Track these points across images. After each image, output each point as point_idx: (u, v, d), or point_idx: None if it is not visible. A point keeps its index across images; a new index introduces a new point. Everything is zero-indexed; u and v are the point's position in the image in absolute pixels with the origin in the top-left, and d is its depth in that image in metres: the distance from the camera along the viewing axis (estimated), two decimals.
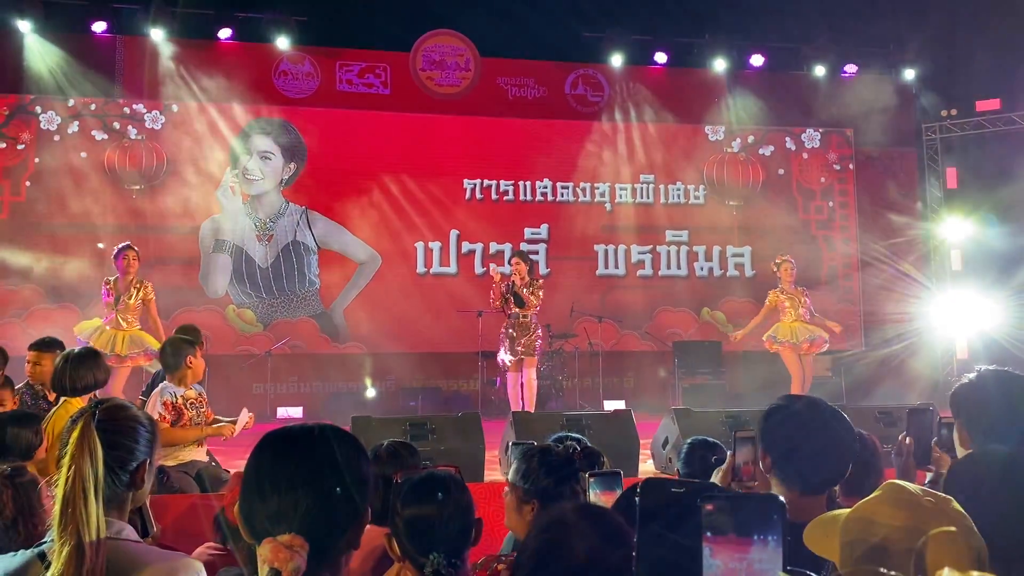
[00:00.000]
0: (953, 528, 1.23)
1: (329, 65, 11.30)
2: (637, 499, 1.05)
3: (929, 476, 2.36)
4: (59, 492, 1.57)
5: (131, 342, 7.38)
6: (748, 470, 2.02)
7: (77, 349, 4.45)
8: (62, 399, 4.25)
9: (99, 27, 10.57)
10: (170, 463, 4.69)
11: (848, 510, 1.34)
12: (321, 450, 1.42)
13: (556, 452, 2.35)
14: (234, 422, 4.82)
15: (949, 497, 1.31)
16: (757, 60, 12.22)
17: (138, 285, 7.53)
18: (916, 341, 12.28)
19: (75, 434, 1.62)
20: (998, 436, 2.08)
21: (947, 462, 2.34)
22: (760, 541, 0.97)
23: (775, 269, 8.89)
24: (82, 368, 4.23)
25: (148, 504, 1.96)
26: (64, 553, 1.53)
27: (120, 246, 7.70)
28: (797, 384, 8.49)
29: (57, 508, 1.56)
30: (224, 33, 10.92)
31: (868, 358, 11.80)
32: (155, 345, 7.19)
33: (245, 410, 4.94)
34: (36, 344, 5.15)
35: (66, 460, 1.59)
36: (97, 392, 4.34)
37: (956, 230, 12.47)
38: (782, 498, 1.96)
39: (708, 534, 0.96)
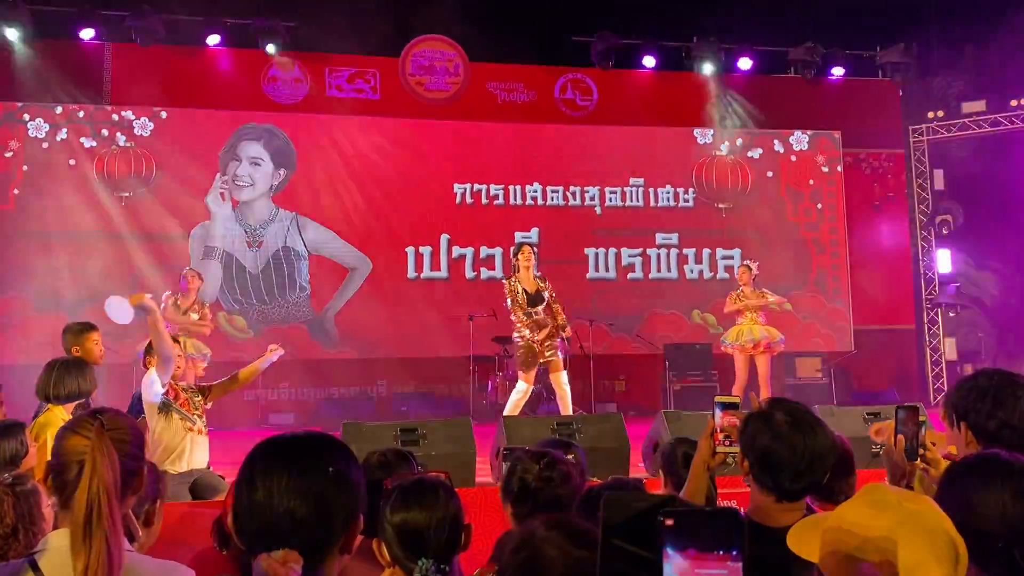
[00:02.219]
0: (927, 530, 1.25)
1: (318, 70, 11.31)
2: (600, 514, 1.05)
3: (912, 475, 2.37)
4: (80, 500, 1.57)
5: (195, 347, 8.16)
6: (724, 433, 2.15)
7: (65, 357, 4.44)
8: (45, 406, 4.24)
9: (87, 34, 10.56)
10: (171, 470, 4.70)
11: (830, 513, 1.36)
12: (312, 460, 1.42)
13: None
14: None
15: (927, 498, 1.34)
16: (745, 63, 12.28)
17: (200, 304, 8.58)
18: (905, 343, 12.36)
19: (90, 443, 1.63)
20: (1003, 440, 2.10)
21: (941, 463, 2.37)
22: (722, 556, 0.96)
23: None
24: (67, 376, 4.22)
25: (131, 511, 1.97)
26: (94, 561, 1.54)
27: (187, 268, 8.83)
28: (740, 387, 8.51)
29: (80, 516, 1.57)
30: (213, 39, 10.91)
31: (857, 359, 11.86)
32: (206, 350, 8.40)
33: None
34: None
35: (87, 468, 1.60)
36: (86, 401, 4.33)
37: (944, 231, 12.54)
38: (755, 503, 1.99)
39: (669, 550, 0.96)
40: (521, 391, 7.27)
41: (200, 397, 5.08)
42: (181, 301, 8.46)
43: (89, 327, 4.89)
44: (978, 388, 2.24)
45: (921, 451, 2.33)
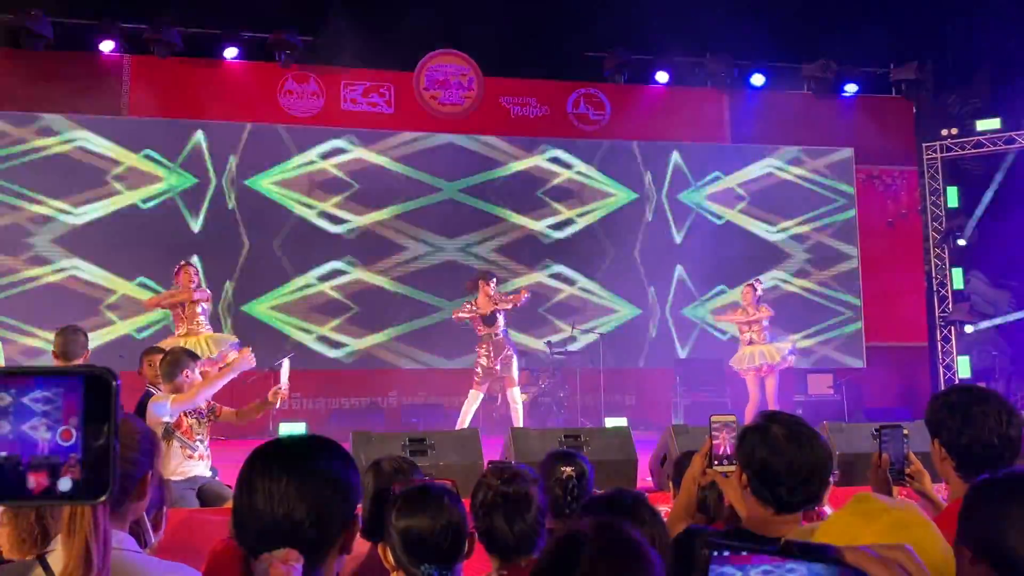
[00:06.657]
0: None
1: (334, 84, 11.40)
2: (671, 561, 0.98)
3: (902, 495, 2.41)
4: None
5: (215, 342, 7.69)
6: (724, 453, 2.20)
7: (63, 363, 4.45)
8: None
9: (107, 46, 10.69)
10: (175, 478, 4.72)
11: (821, 523, 1.38)
12: (310, 463, 1.46)
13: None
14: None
15: (915, 504, 1.36)
16: (758, 79, 12.31)
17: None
18: (918, 360, 12.29)
19: None
20: (976, 456, 2.12)
21: (925, 474, 2.40)
22: None
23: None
24: None
25: (146, 516, 1.99)
26: (72, 561, 1.57)
27: (181, 262, 7.98)
28: (752, 407, 8.49)
29: (65, 516, 1.60)
30: (230, 52, 11.03)
31: (869, 376, 11.80)
32: (232, 339, 7.97)
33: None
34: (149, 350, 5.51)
35: None
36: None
37: (957, 249, 12.49)
38: (753, 516, 2.01)
39: None
40: (473, 400, 8.21)
41: (207, 419, 4.98)
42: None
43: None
44: (949, 405, 2.27)
45: (908, 470, 2.39)
